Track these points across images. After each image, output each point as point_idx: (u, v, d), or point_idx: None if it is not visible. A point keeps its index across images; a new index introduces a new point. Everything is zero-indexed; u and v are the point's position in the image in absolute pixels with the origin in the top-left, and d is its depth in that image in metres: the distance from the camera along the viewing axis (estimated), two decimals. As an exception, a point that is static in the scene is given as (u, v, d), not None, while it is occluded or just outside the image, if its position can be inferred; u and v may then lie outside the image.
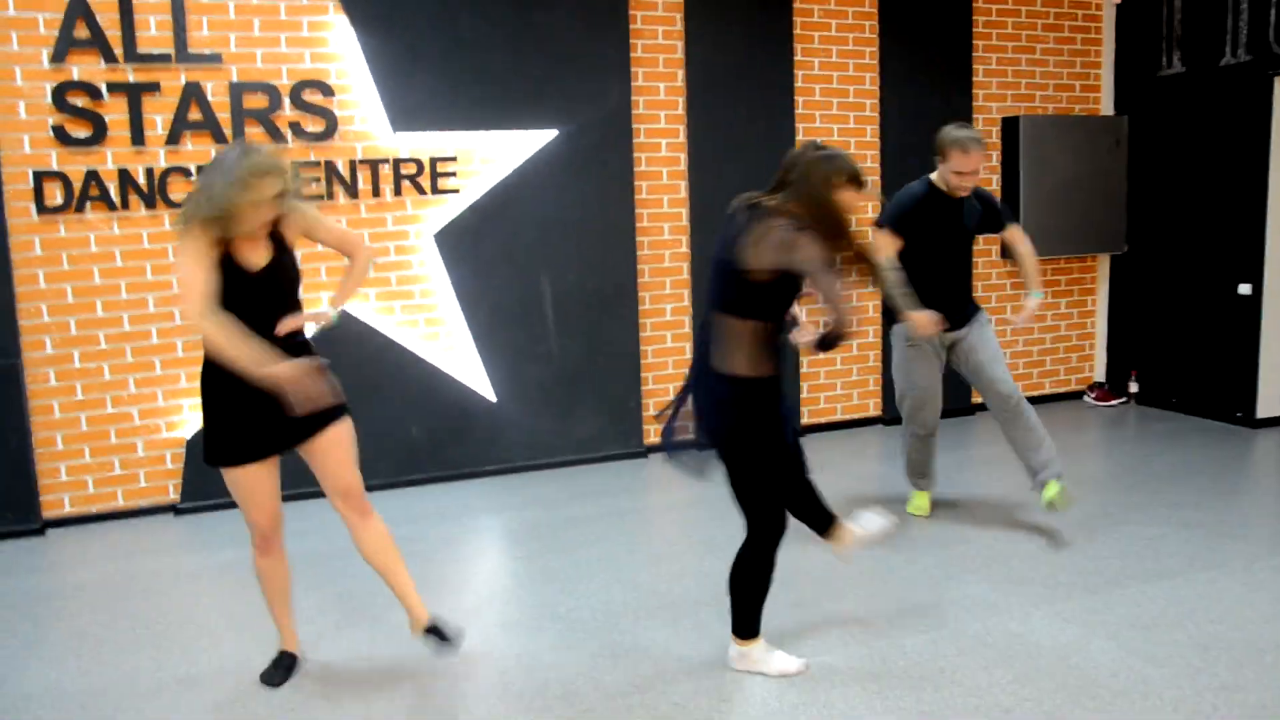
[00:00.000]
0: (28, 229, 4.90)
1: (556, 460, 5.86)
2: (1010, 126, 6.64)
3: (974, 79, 6.60)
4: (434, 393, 5.60)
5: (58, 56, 4.82)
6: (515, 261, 5.68)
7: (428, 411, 5.59)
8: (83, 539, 4.97)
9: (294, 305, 3.21)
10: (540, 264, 5.72)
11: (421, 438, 5.60)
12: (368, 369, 5.41)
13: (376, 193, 5.39)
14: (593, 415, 5.92)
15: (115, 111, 4.94)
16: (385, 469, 5.47)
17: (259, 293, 3.09)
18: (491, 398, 5.69)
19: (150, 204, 5.04)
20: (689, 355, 6.07)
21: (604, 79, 5.70)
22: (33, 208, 4.88)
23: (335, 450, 3.19)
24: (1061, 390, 7.20)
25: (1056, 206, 6.69)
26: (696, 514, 5.03)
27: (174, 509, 5.23)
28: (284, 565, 3.36)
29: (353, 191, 5.34)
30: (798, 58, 6.17)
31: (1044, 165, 6.63)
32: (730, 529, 3.51)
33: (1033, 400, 4.60)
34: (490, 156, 5.54)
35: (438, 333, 5.60)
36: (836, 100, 6.33)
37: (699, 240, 5.95)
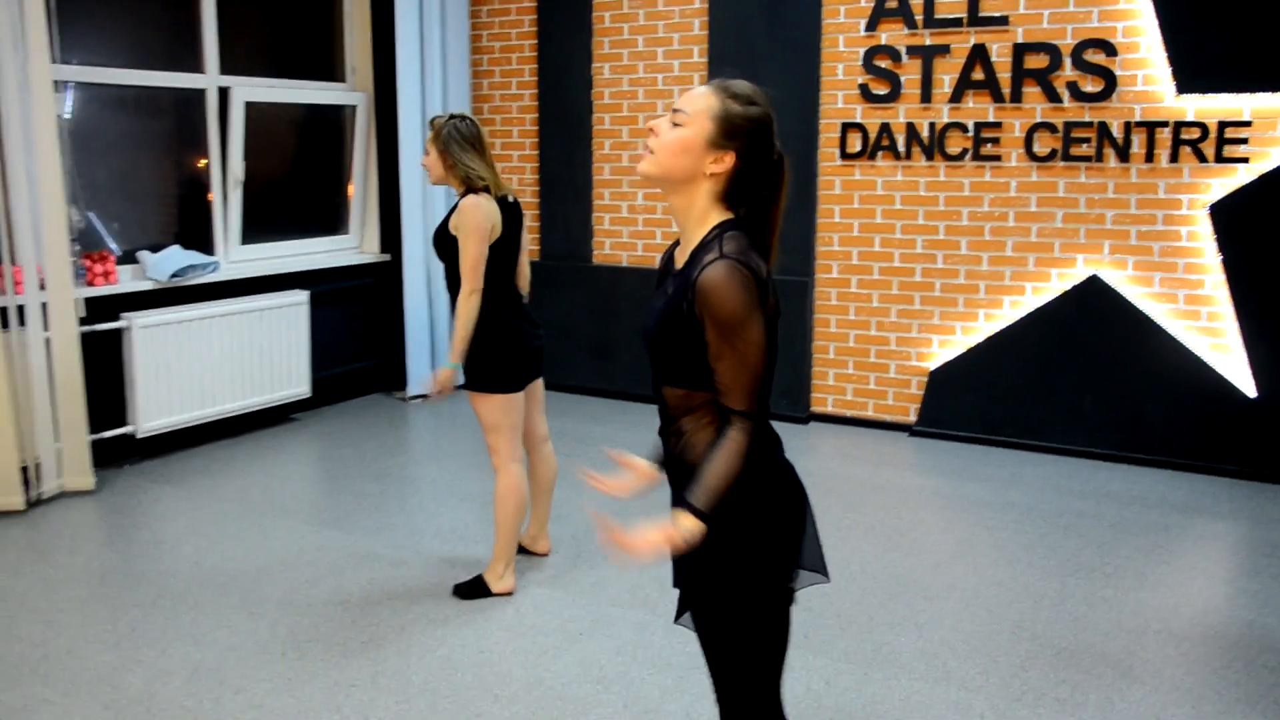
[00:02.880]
0: (832, 171, 5.85)
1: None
2: None
3: None
4: (1179, 374, 5.21)
5: (871, 25, 5.57)
6: (1309, 245, 4.88)
7: (1168, 392, 5.24)
8: (835, 436, 5.94)
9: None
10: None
11: (1155, 418, 5.29)
12: (1109, 336, 5.28)
13: (1150, 158, 5.10)
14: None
15: (910, 72, 5.53)
16: (1109, 440, 5.35)
17: None
18: (1249, 392, 5.08)
19: (929, 156, 5.56)
20: None
21: None
22: (837, 153, 5.80)
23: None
24: None
25: None
26: None
27: (909, 429, 5.88)
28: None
29: (1125, 155, 5.14)
30: None
31: None
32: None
33: None
34: (1298, 122, 4.80)
35: (1198, 311, 5.15)
36: None
37: None
